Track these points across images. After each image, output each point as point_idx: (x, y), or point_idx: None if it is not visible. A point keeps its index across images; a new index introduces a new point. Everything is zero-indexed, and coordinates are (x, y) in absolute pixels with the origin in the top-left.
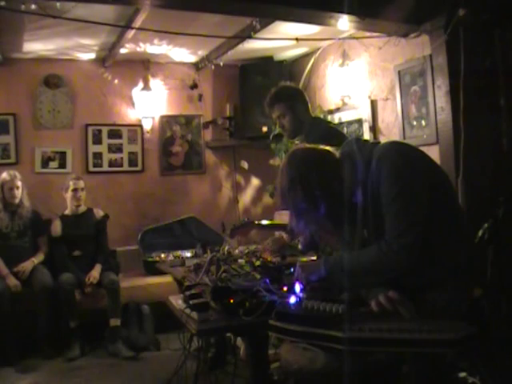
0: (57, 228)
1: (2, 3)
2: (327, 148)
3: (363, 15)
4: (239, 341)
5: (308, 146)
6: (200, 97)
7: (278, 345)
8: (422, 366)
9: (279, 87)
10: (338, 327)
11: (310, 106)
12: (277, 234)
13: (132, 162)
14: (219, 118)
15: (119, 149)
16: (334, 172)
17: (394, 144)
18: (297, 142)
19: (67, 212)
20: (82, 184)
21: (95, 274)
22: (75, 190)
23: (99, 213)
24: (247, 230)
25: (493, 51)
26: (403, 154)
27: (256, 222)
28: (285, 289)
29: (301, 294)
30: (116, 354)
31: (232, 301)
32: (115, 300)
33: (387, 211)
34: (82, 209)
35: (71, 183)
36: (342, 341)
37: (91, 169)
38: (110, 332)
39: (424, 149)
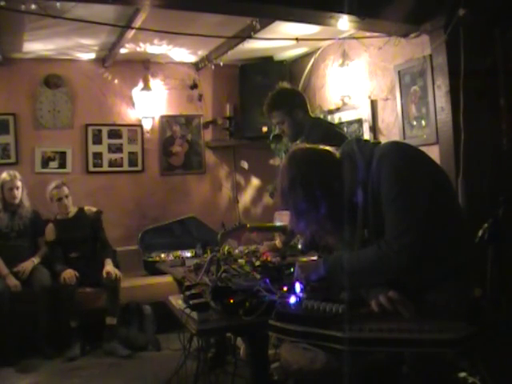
0: (50, 232)
1: (2, 3)
2: (327, 148)
3: (363, 15)
4: (239, 341)
5: (308, 146)
6: (200, 97)
7: (278, 345)
8: (422, 366)
9: (276, 93)
10: (338, 327)
11: (309, 106)
12: (277, 237)
13: (132, 162)
14: (219, 118)
15: (119, 149)
16: (335, 172)
17: (394, 144)
18: (297, 142)
19: (59, 217)
20: (65, 191)
21: (110, 268)
22: (60, 200)
23: (91, 210)
24: (239, 234)
25: (493, 51)
26: (404, 155)
27: (248, 226)
28: (285, 289)
29: (301, 294)
30: (112, 353)
31: (232, 301)
32: (114, 299)
33: (387, 211)
34: (72, 212)
35: (54, 193)
36: (342, 341)
37: (91, 169)
38: (105, 330)
39: (424, 149)
